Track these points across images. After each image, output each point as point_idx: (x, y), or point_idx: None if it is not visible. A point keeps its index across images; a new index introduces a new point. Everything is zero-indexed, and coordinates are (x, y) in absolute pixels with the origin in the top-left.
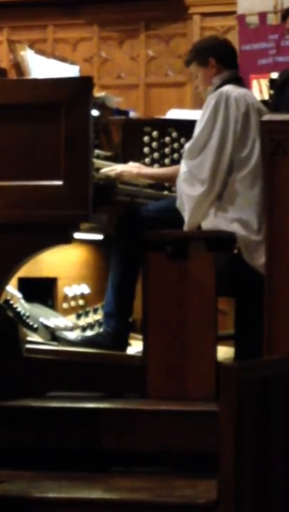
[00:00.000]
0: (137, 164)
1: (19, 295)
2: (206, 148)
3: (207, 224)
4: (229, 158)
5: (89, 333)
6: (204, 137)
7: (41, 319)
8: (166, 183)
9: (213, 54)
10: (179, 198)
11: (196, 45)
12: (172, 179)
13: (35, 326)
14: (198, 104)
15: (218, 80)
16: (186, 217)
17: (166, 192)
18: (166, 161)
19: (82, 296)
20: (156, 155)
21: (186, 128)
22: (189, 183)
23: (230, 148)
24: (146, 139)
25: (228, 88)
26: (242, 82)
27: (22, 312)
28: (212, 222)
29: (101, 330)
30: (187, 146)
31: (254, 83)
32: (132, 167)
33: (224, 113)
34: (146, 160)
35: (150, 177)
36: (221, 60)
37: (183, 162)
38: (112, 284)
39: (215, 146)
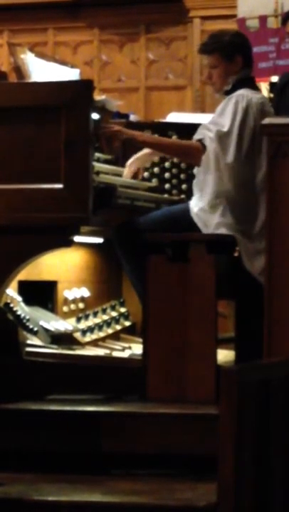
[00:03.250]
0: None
1: (19, 298)
2: (230, 142)
3: (208, 230)
4: (236, 156)
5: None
6: (229, 131)
7: (41, 322)
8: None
9: (242, 52)
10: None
11: (222, 37)
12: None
13: (35, 329)
14: (198, 107)
15: (235, 77)
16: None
17: (166, 195)
18: (167, 164)
19: (83, 299)
20: (156, 158)
21: (186, 131)
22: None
23: (237, 147)
24: None
25: (247, 93)
26: (254, 82)
27: (22, 315)
28: (214, 229)
29: (101, 333)
30: (214, 128)
31: None
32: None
33: (242, 116)
34: (146, 163)
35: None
36: (246, 59)
37: (210, 142)
38: (141, 298)
39: (234, 142)
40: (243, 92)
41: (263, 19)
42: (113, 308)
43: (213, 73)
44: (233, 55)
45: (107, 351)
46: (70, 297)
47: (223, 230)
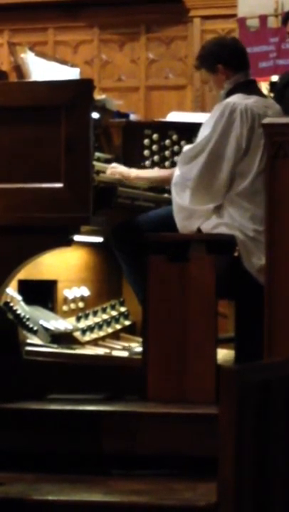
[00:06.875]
0: (133, 170)
1: (19, 297)
2: (199, 157)
3: (206, 228)
4: (227, 170)
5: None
6: (201, 146)
7: (41, 321)
8: (166, 186)
9: (221, 61)
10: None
11: (203, 51)
12: (169, 181)
13: (35, 328)
14: (198, 106)
15: (229, 84)
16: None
17: (166, 195)
18: (167, 163)
19: (82, 298)
20: (156, 158)
21: (186, 131)
22: (179, 187)
23: (225, 161)
24: (146, 141)
25: (235, 100)
26: (253, 85)
27: (22, 314)
28: (214, 228)
29: (101, 333)
30: (185, 149)
31: None
32: (128, 172)
33: (224, 126)
34: (147, 162)
35: (147, 179)
36: (229, 65)
37: (177, 165)
38: (141, 302)
39: (205, 158)
40: (230, 100)
41: (263, 19)
42: (113, 307)
43: (211, 86)
44: (214, 66)
45: (107, 350)
46: (70, 296)
47: (222, 229)
